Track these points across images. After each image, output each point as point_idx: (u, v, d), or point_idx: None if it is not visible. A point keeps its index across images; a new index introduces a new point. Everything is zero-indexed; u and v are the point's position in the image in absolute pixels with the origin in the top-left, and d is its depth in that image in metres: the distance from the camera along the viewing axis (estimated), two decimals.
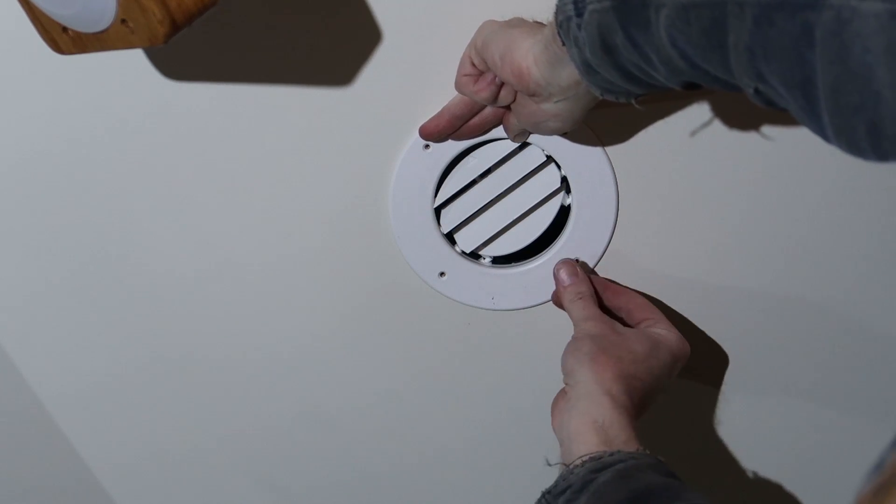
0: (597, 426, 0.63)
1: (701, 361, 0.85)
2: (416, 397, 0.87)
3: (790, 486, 0.90)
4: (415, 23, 0.71)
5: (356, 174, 0.77)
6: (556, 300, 0.78)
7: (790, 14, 0.43)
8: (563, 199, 0.78)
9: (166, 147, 0.75)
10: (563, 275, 0.76)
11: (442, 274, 0.79)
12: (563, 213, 0.78)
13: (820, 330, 0.84)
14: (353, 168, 0.76)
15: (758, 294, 0.82)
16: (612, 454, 0.61)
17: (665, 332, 0.73)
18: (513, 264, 0.80)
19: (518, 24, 0.67)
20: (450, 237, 0.79)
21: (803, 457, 0.90)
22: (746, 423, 0.88)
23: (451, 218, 0.78)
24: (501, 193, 0.77)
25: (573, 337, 0.71)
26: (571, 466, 0.62)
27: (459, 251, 0.79)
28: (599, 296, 0.76)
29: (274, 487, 0.92)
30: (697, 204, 0.78)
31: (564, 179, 0.77)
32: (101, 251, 0.79)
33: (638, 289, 0.80)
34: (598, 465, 0.60)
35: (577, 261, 0.78)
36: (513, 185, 0.77)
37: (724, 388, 0.86)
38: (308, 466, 0.91)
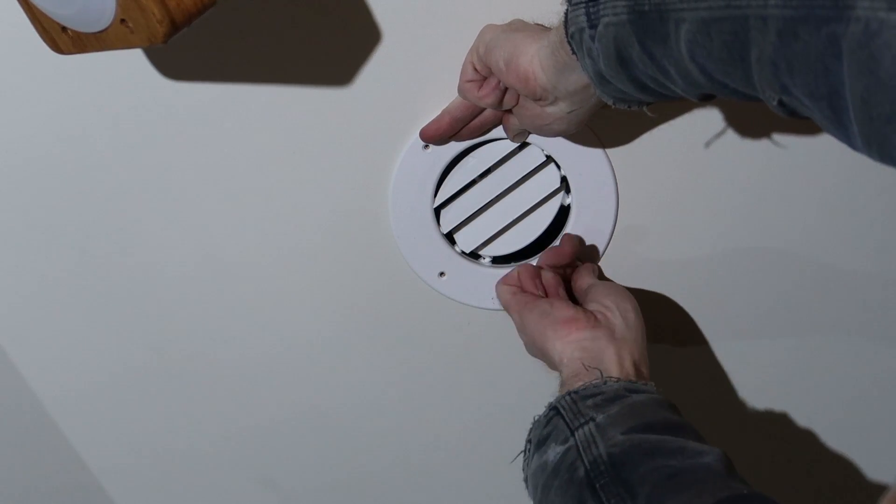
0: (634, 359, 0.66)
1: (701, 364, 0.85)
2: (415, 397, 0.87)
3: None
4: (415, 23, 0.71)
5: (356, 174, 0.77)
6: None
7: (815, 27, 0.42)
8: (563, 199, 0.78)
9: (166, 147, 0.75)
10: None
11: (442, 274, 0.79)
12: (563, 213, 0.78)
13: (819, 328, 0.84)
14: (352, 168, 0.76)
15: (758, 294, 0.82)
16: (646, 384, 0.64)
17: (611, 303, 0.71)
18: (513, 264, 0.80)
19: (520, 27, 0.66)
20: (449, 237, 0.79)
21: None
22: (745, 421, 0.88)
23: (450, 218, 0.78)
24: (501, 193, 0.77)
25: (595, 313, 0.69)
26: (605, 378, 0.63)
27: (459, 251, 0.79)
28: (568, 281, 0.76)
29: (274, 487, 0.92)
30: (697, 204, 0.78)
31: (564, 179, 0.77)
32: (101, 251, 0.79)
33: (637, 288, 0.80)
34: (633, 387, 0.63)
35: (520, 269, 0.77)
36: (513, 185, 0.77)
37: (724, 391, 0.87)
38: (308, 466, 0.91)
